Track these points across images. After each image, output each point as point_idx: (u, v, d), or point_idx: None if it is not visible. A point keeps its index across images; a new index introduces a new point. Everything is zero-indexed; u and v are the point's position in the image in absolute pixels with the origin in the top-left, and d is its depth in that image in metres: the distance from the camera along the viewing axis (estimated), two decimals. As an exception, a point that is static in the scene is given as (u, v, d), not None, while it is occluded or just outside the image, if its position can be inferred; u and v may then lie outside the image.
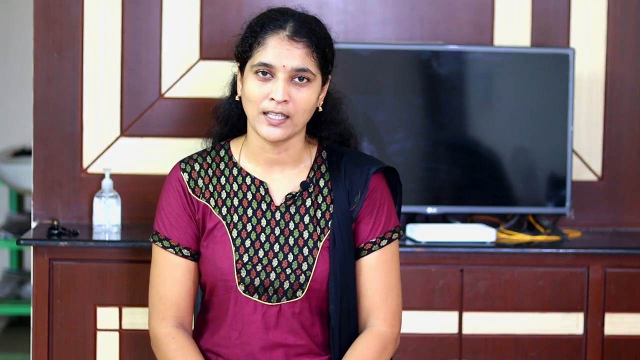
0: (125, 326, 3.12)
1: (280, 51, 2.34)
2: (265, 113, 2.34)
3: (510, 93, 3.44)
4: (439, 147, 3.42)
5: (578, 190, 3.56)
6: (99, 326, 3.11)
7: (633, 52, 3.58)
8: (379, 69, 3.38)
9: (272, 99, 2.33)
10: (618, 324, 3.23)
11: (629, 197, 3.60)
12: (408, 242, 3.23)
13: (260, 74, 2.35)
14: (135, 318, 3.11)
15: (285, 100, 2.33)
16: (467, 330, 3.20)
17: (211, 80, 3.42)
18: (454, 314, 3.19)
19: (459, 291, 3.18)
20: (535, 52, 3.45)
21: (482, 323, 3.19)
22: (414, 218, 3.46)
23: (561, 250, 3.21)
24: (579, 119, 3.57)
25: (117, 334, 3.12)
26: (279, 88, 2.33)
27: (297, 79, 2.35)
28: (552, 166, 3.45)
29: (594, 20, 3.57)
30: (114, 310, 3.11)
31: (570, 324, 3.21)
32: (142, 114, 3.46)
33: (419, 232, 3.25)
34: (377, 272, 2.43)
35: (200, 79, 3.46)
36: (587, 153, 3.59)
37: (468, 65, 3.42)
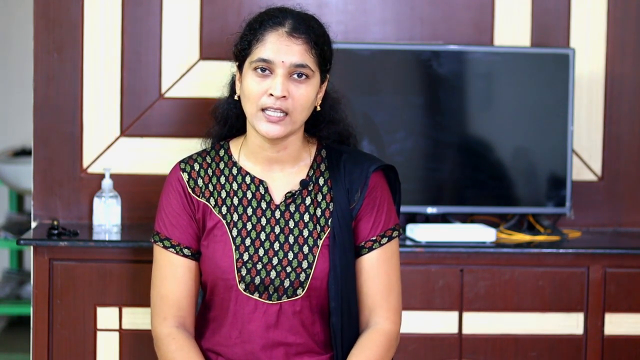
0: (125, 326, 3.12)
1: (280, 47, 2.35)
2: (264, 110, 2.35)
3: (510, 93, 3.44)
4: (439, 147, 3.42)
5: (578, 190, 3.56)
6: (99, 326, 3.11)
7: (633, 52, 3.58)
8: (379, 69, 3.38)
9: (271, 94, 2.33)
10: (618, 324, 3.23)
11: (629, 197, 3.60)
12: (408, 242, 3.23)
13: (259, 70, 2.36)
14: (135, 318, 3.11)
15: (284, 96, 2.34)
16: (467, 330, 3.20)
17: (211, 80, 3.42)
18: (454, 314, 3.19)
19: (459, 291, 3.18)
20: (535, 52, 3.45)
21: (482, 323, 3.19)
22: (414, 218, 3.46)
23: (561, 250, 3.21)
24: (579, 119, 3.57)
25: (117, 334, 3.12)
26: (278, 84, 2.33)
27: (295, 75, 2.36)
28: (552, 166, 3.45)
29: (594, 20, 3.57)
30: (114, 310, 3.11)
31: (570, 324, 3.21)
32: (142, 114, 3.46)
33: (419, 232, 3.25)
34: (378, 270, 2.44)
35: (200, 79, 3.46)
36: (587, 153, 3.59)
37: (468, 65, 3.42)
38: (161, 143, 3.46)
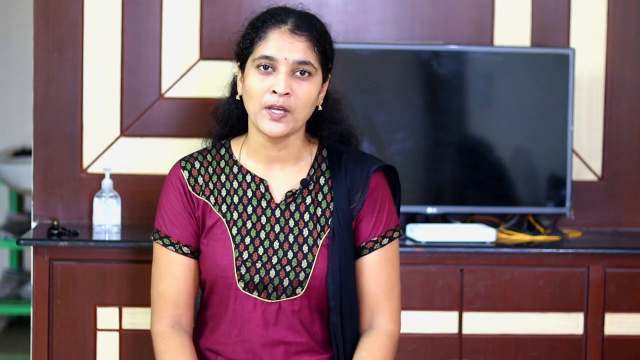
0: (125, 326, 3.12)
1: (282, 44, 2.35)
2: (267, 108, 2.35)
3: (510, 93, 3.44)
4: (439, 147, 3.42)
5: (578, 190, 3.56)
6: (99, 326, 3.11)
7: (633, 52, 3.58)
8: (379, 69, 3.38)
9: (274, 92, 2.34)
10: (618, 324, 3.23)
11: (629, 197, 3.60)
12: (408, 242, 3.23)
13: (262, 67, 2.36)
14: (135, 318, 3.11)
15: (287, 93, 2.34)
16: (467, 330, 3.20)
17: (211, 80, 3.42)
18: (454, 314, 3.19)
19: (459, 291, 3.18)
20: (535, 52, 3.45)
21: (482, 323, 3.19)
22: (414, 218, 3.46)
23: (561, 250, 3.21)
24: (579, 119, 3.57)
25: (117, 334, 3.12)
26: (281, 81, 2.34)
27: (298, 73, 2.36)
28: (552, 166, 3.45)
29: (594, 20, 3.57)
30: (114, 310, 3.11)
31: (570, 324, 3.21)
32: (142, 114, 3.46)
33: (419, 232, 3.25)
34: (379, 270, 2.44)
35: (200, 79, 3.46)
36: (587, 153, 3.59)
37: (468, 65, 3.42)
38: (161, 143, 3.46)
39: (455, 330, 3.20)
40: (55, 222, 3.15)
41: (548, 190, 3.46)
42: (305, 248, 2.41)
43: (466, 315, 3.19)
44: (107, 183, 3.30)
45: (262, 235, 2.42)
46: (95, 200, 3.30)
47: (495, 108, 3.45)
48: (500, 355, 3.19)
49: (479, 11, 3.54)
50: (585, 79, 3.57)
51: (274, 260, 2.40)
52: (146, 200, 3.40)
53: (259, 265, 2.40)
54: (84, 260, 3.10)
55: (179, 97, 3.47)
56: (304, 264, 2.40)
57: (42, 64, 3.42)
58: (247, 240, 2.41)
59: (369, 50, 3.37)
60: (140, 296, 3.07)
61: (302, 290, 2.40)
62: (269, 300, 2.40)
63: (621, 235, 3.54)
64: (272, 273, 2.40)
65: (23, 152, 5.63)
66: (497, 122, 3.44)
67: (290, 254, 2.40)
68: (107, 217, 3.28)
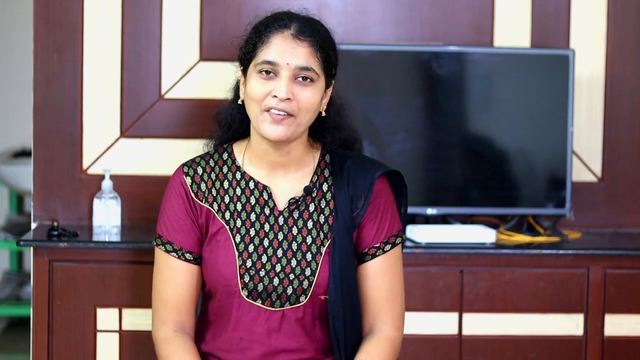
0: (125, 327, 3.12)
1: (285, 49, 2.34)
2: (267, 110, 2.34)
3: (510, 94, 3.44)
4: (439, 148, 3.42)
5: (578, 191, 3.56)
6: (99, 327, 3.11)
7: (633, 53, 3.58)
8: (379, 70, 3.38)
9: (275, 96, 2.33)
10: (618, 325, 3.23)
11: (629, 198, 3.60)
12: (408, 243, 3.23)
13: (264, 72, 2.35)
14: (135, 319, 3.11)
15: (289, 99, 2.33)
16: (467, 331, 3.20)
17: (211, 81, 3.42)
18: (454, 315, 3.19)
19: (459, 292, 3.18)
20: (535, 53, 3.45)
21: (482, 324, 3.19)
22: (414, 219, 3.46)
23: (561, 251, 3.21)
24: (579, 120, 3.57)
25: (117, 335, 3.12)
26: (283, 86, 2.33)
27: (300, 79, 2.35)
28: (552, 167, 3.45)
29: (594, 21, 3.57)
30: (114, 312, 3.11)
31: (570, 325, 3.21)
32: (142, 115, 3.46)
33: (418, 233, 3.25)
34: (382, 277, 2.43)
35: (200, 80, 3.46)
36: (587, 154, 3.59)
37: (468, 66, 3.42)
38: (161, 144, 3.46)
39: (455, 331, 3.20)
40: (55, 223, 3.15)
41: (548, 191, 3.46)
42: (308, 256, 2.40)
43: (466, 316, 3.19)
44: (107, 184, 3.30)
45: (266, 242, 2.41)
46: (95, 201, 3.30)
47: (495, 109, 3.45)
48: (500, 356, 3.19)
49: (478, 12, 3.54)
50: (585, 80, 3.57)
51: (278, 268, 2.39)
52: (146, 201, 3.40)
53: (262, 273, 2.39)
54: (84, 261, 3.10)
55: (178, 98, 3.47)
56: (308, 271, 2.39)
57: (41, 64, 3.42)
58: (251, 248, 2.40)
59: (368, 51, 3.37)
60: (141, 297, 3.07)
61: (305, 298, 2.39)
62: (273, 309, 2.39)
63: (621, 236, 3.54)
64: (276, 281, 2.39)
65: (23, 153, 5.63)
66: (497, 123, 3.44)
67: (293, 262, 2.39)
68: (107, 218, 3.28)
